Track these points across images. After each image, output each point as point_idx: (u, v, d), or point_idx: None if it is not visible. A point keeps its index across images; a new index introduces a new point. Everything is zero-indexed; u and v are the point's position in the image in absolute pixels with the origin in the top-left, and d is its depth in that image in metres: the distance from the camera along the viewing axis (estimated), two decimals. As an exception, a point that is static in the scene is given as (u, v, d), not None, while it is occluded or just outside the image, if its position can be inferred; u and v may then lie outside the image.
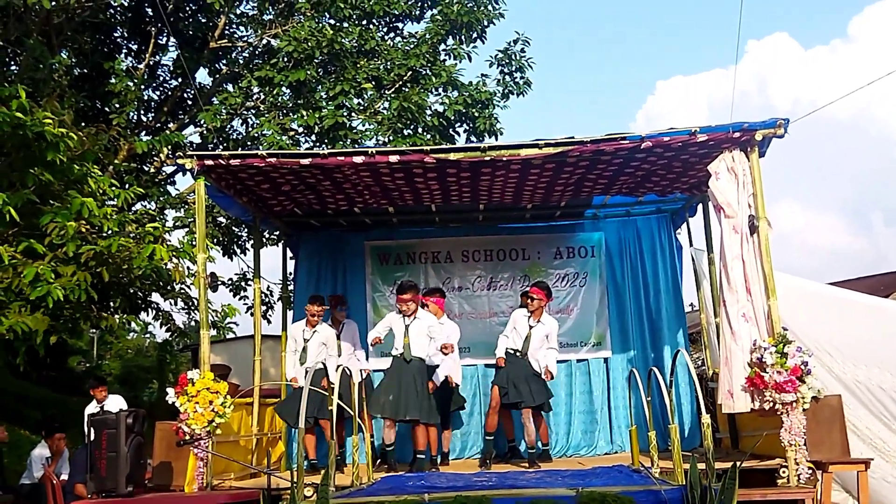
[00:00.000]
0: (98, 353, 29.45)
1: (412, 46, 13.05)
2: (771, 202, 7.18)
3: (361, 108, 12.60)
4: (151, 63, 13.61)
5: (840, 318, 7.91)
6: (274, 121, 12.11)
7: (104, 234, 8.41)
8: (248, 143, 12.98)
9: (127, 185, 10.00)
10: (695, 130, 6.54)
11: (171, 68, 14.11)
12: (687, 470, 5.27)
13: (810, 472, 6.04)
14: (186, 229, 11.87)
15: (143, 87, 12.71)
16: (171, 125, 13.58)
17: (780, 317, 6.44)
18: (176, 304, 10.90)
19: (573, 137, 6.65)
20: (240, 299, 14.10)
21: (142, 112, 13.58)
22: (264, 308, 13.44)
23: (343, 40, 12.13)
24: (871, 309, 8.18)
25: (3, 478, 9.45)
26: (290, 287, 9.84)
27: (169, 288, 10.18)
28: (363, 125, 12.55)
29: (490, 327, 9.39)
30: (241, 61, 13.66)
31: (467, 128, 12.93)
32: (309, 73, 11.91)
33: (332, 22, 12.79)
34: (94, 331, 22.53)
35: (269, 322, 13.85)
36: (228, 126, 13.39)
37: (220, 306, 11.16)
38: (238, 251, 14.09)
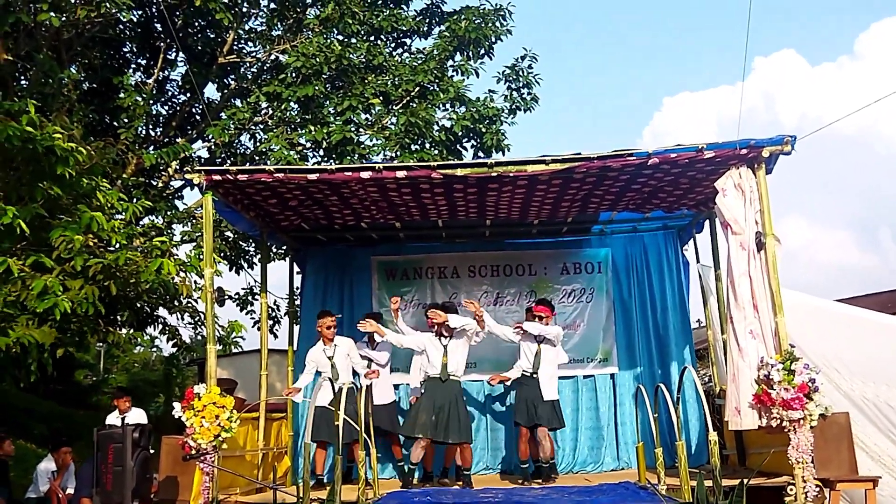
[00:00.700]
0: (105, 366, 29.51)
1: (420, 62, 13.11)
2: (778, 218, 7.13)
3: (369, 123, 12.64)
4: (160, 78, 13.67)
5: (848, 334, 7.90)
6: (282, 136, 12.14)
7: (112, 248, 8.44)
8: (256, 158, 13.04)
9: (135, 199, 10.02)
10: (701, 147, 6.55)
11: (180, 83, 14.19)
12: (694, 487, 5.26)
13: (818, 489, 6.00)
14: (194, 244, 11.90)
15: (151, 101, 12.76)
16: (179, 140, 13.65)
17: (787, 333, 6.43)
18: (183, 318, 10.91)
19: (580, 153, 6.67)
20: (246, 314, 14.16)
21: (150, 127, 13.68)
22: (271, 322, 13.42)
23: (351, 56, 12.19)
24: (880, 326, 8.17)
25: (9, 491, 9.43)
26: (297, 302, 9.86)
27: (176, 302, 10.19)
28: (371, 140, 12.59)
29: (496, 343, 9.32)
30: (250, 77, 13.74)
31: (474, 143, 12.94)
32: (317, 88, 11.97)
33: (340, 38, 12.87)
34: (101, 344, 22.57)
35: (275, 336, 13.90)
36: (236, 141, 13.43)
37: (227, 322, 11.17)
38: (245, 266, 14.15)
